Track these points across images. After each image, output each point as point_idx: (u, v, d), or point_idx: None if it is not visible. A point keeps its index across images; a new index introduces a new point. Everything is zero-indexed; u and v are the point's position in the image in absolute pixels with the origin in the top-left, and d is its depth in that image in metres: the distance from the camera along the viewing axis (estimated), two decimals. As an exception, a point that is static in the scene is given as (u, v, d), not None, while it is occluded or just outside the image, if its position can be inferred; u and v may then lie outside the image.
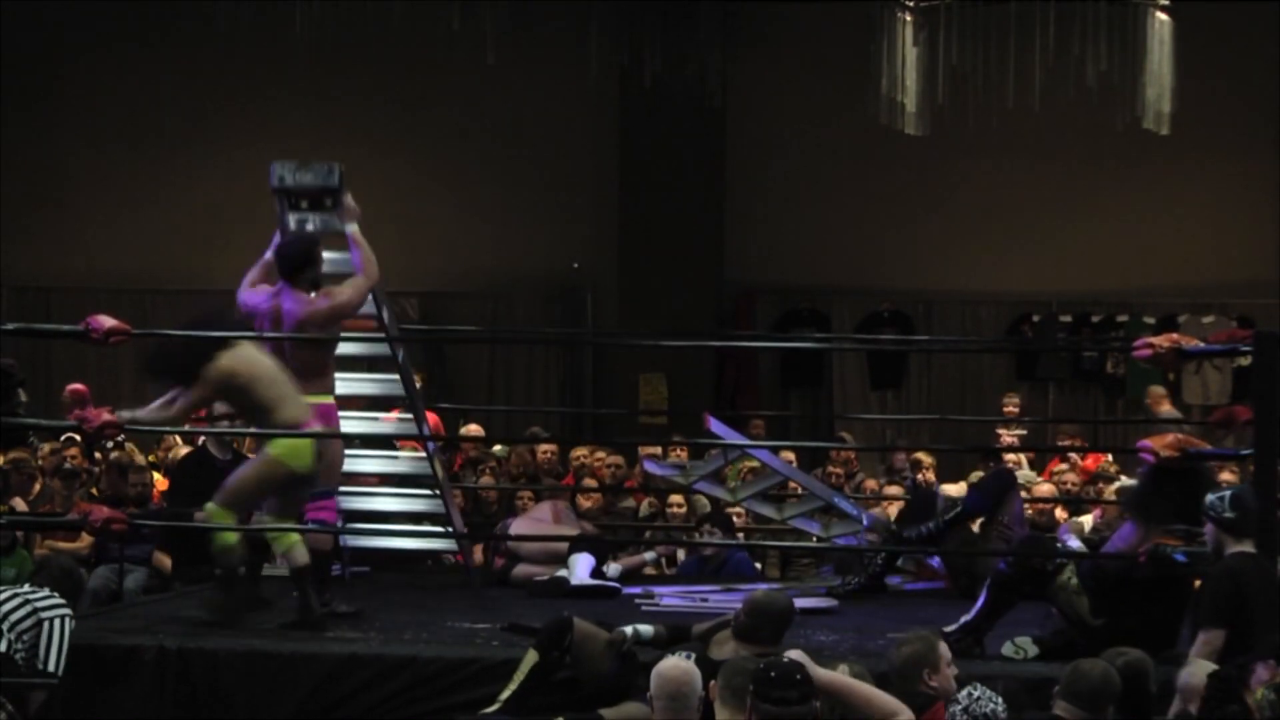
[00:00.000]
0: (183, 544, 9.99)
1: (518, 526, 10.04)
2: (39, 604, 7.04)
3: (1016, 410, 14.42)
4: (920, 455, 12.53)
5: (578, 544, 9.65)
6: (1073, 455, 12.91)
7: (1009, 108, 12.64)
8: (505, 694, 7.02)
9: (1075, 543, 8.90)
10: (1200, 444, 8.32)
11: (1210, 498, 7.01)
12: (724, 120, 16.33)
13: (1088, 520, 11.22)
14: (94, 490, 11.35)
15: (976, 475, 12.31)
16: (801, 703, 5.59)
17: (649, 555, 10.62)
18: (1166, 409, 14.40)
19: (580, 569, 9.45)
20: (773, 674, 5.58)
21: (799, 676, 5.60)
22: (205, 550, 9.65)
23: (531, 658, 7.08)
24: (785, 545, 10.89)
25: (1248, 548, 6.89)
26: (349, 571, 9.45)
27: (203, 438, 10.33)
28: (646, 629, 7.41)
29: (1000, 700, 5.74)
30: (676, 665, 5.83)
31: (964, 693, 5.74)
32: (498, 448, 12.26)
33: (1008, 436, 14.03)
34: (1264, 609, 6.70)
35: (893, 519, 10.34)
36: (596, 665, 7.12)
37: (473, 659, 7.37)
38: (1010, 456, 12.92)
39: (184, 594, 9.33)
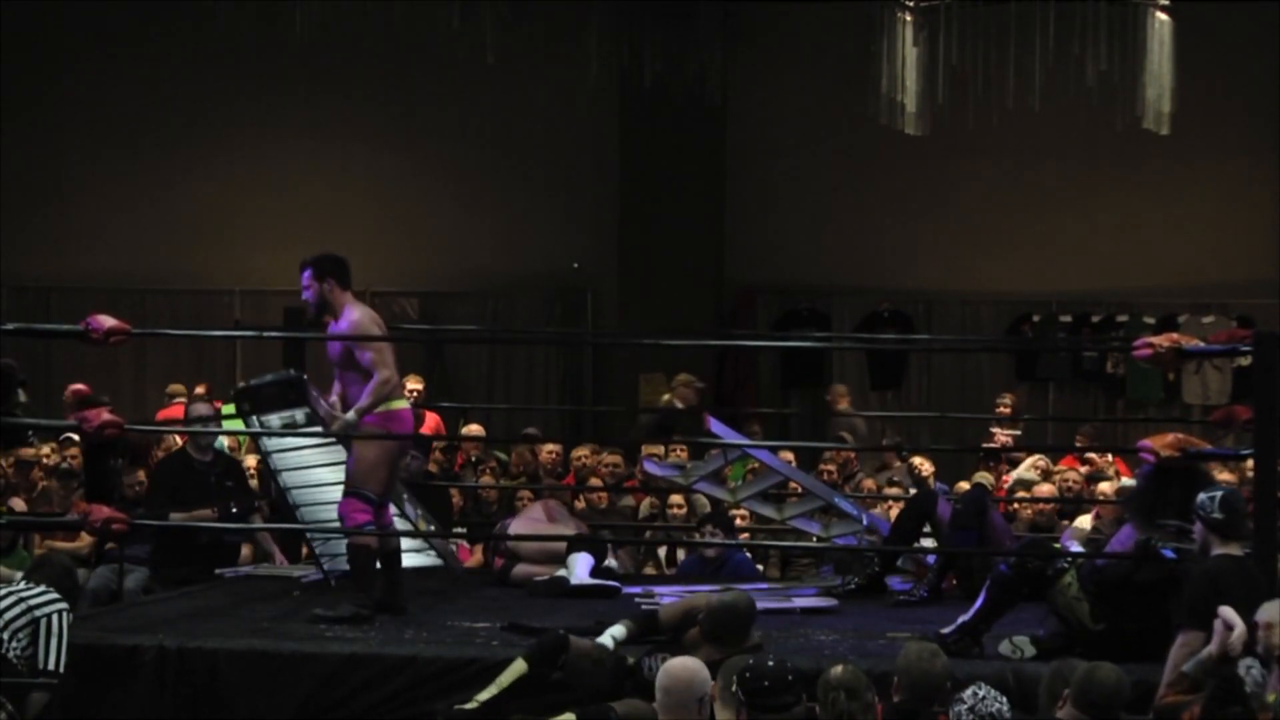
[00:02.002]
0: (166, 546, 9.96)
1: (515, 528, 10.03)
2: (33, 600, 7.01)
3: (1009, 410, 14.39)
4: (914, 459, 12.54)
5: (576, 543, 9.65)
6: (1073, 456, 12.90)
7: (1009, 108, 12.64)
8: (484, 695, 7.00)
9: (1077, 549, 8.89)
10: (1200, 444, 8.31)
11: (1201, 497, 6.97)
12: (724, 120, 16.34)
13: (1086, 521, 11.21)
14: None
15: (980, 475, 12.31)
16: (798, 703, 5.60)
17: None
18: (845, 405, 14.44)
19: (580, 568, 9.45)
20: (766, 683, 5.57)
21: (790, 678, 5.60)
22: (187, 552, 9.65)
23: (519, 668, 7.05)
24: (785, 545, 10.88)
25: (1234, 550, 6.86)
26: (334, 575, 9.44)
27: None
28: (619, 630, 7.40)
29: (1005, 700, 5.72)
30: (685, 665, 5.82)
31: (969, 692, 5.71)
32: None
33: (1002, 435, 14.02)
34: (1244, 613, 6.67)
35: (893, 519, 10.34)
36: (591, 680, 7.07)
37: (473, 659, 7.37)
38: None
39: (185, 594, 9.32)
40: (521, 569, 9.75)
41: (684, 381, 13.83)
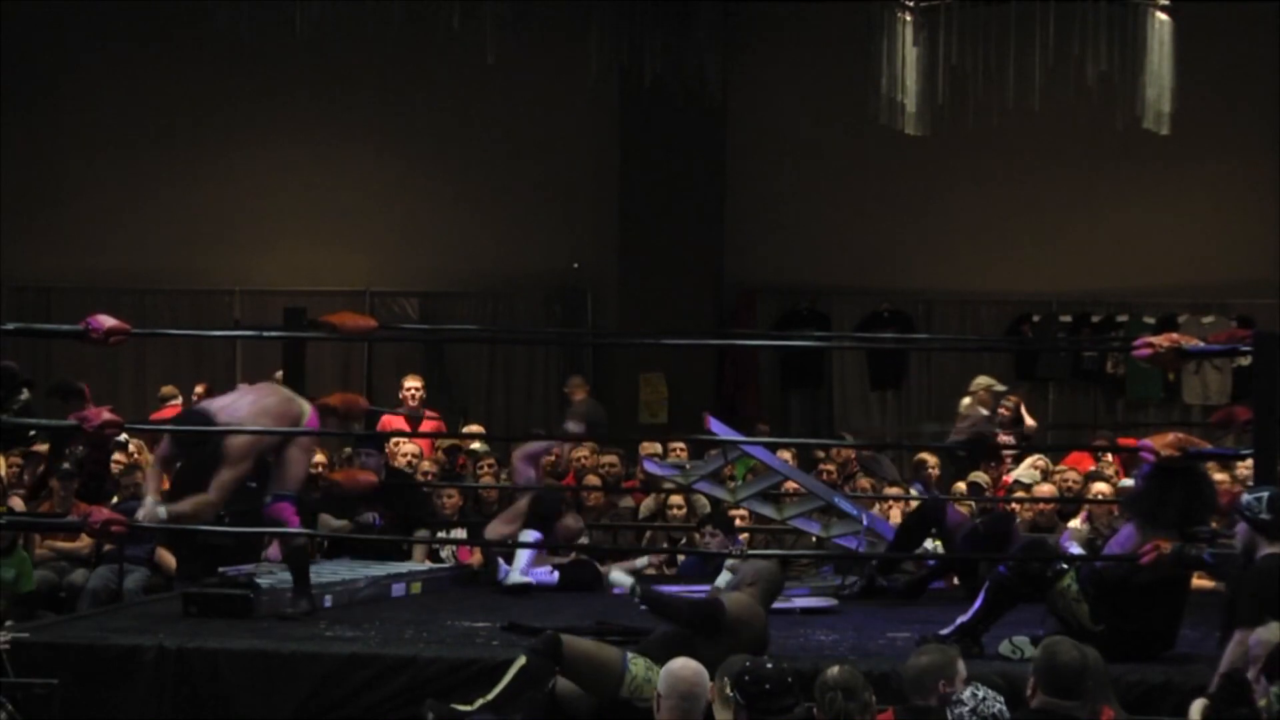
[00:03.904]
0: (183, 543, 10.00)
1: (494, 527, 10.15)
2: None
3: (1009, 412, 14.34)
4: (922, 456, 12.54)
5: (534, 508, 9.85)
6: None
7: (1009, 108, 12.63)
8: (483, 699, 6.97)
9: (1077, 550, 8.90)
10: (1200, 444, 8.31)
11: (1246, 498, 6.95)
12: (724, 120, 16.33)
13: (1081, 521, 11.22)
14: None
15: (976, 475, 12.30)
16: (797, 703, 5.61)
17: (640, 562, 10.63)
18: (581, 396, 14.49)
19: (523, 560, 9.63)
20: (767, 685, 5.58)
21: (789, 680, 5.61)
22: (204, 547, 9.69)
23: (519, 662, 7.02)
24: (785, 554, 10.87)
25: None
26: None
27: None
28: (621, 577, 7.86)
29: (1003, 700, 5.72)
30: (687, 665, 5.83)
31: (967, 693, 5.70)
32: (476, 444, 12.22)
33: (1004, 437, 14.00)
34: None
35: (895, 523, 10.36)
36: (594, 688, 7.04)
37: (473, 659, 7.38)
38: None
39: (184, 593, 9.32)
40: (494, 527, 9.90)
41: (984, 386, 13.60)
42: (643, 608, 7.63)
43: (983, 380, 13.76)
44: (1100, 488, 11.35)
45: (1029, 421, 14.40)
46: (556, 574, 10.00)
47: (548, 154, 16.81)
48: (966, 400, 13.72)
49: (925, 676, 5.89)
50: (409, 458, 11.92)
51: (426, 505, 10.92)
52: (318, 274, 16.78)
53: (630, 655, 7.05)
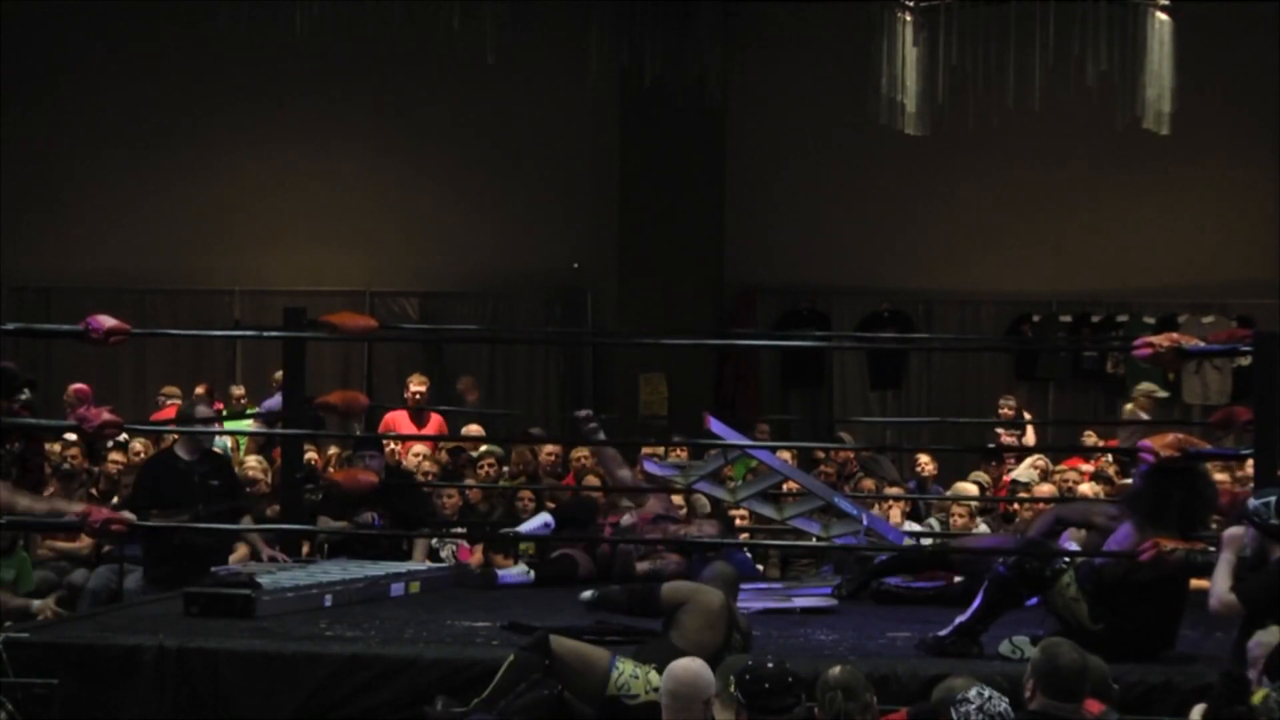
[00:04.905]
0: (149, 546, 9.94)
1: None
2: None
3: (1012, 412, 14.37)
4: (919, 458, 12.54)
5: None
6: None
7: (1009, 108, 12.64)
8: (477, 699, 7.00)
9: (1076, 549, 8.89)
10: (1200, 444, 8.31)
11: (1254, 503, 6.88)
12: (724, 120, 16.33)
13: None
14: (93, 490, 11.35)
15: (976, 474, 12.30)
16: (798, 703, 5.62)
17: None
18: (474, 398, 14.59)
19: (530, 525, 9.78)
20: (767, 685, 5.58)
21: (790, 679, 5.61)
22: (166, 552, 9.65)
23: (507, 659, 7.05)
24: (785, 544, 10.88)
25: None
26: None
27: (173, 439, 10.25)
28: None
29: (1008, 701, 5.72)
30: (688, 667, 5.83)
31: (973, 692, 5.70)
32: (484, 448, 12.24)
33: (1007, 437, 14.01)
34: None
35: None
36: (582, 687, 7.06)
37: (474, 660, 7.37)
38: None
39: (179, 595, 9.32)
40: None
41: (1145, 391, 13.74)
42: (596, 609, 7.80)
43: (1144, 386, 14.05)
44: (1086, 489, 11.37)
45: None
46: (532, 574, 10.00)
47: (548, 154, 16.82)
48: (1130, 406, 13.92)
49: (954, 696, 5.86)
50: (419, 457, 11.95)
51: (426, 505, 10.91)
52: (318, 274, 16.79)
53: (619, 656, 7.06)
